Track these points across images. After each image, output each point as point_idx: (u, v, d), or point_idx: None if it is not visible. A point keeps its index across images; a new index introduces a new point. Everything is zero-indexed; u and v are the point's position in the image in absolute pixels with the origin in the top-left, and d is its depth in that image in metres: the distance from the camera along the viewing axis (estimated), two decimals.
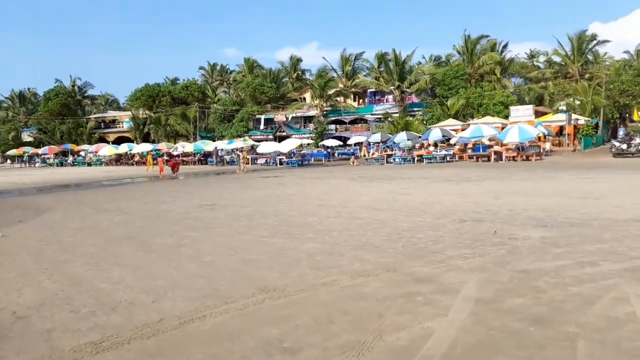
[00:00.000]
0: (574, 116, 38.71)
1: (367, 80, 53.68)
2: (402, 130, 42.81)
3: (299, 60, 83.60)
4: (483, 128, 29.04)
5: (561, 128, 39.71)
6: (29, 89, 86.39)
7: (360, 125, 58.15)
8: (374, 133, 43.99)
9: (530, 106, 41.17)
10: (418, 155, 31.35)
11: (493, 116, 43.33)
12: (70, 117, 72.88)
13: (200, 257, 6.94)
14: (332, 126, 58.64)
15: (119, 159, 49.13)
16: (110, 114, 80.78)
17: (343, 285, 5.29)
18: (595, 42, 53.04)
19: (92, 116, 77.79)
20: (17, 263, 7.09)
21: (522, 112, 40.51)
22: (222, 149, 43.76)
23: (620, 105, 44.60)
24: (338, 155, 45.35)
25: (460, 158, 32.37)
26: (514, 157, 27.56)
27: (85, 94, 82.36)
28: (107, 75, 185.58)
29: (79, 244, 8.27)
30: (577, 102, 45.77)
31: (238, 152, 33.70)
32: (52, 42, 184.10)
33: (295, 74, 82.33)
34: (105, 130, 74.80)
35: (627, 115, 57.79)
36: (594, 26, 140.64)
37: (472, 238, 7.38)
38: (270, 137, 61.11)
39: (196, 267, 6.35)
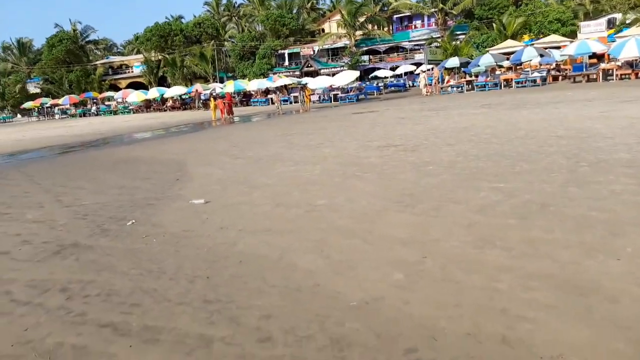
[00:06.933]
0: None
1: (407, 3, 49.00)
2: (453, 56, 39.27)
3: None
4: (590, 43, 25.62)
5: None
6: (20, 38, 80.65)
7: (396, 54, 54.17)
8: (429, 59, 40.38)
9: (602, 19, 37.46)
10: (505, 80, 28.04)
11: (547, 35, 39.41)
12: (77, 64, 68.20)
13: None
14: (365, 57, 54.66)
15: (148, 106, 45.61)
16: (117, 58, 75.70)
17: None
18: None
19: (99, 62, 72.92)
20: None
21: (593, 28, 37.00)
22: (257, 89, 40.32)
23: None
24: (388, 87, 41.97)
25: (544, 80, 28.75)
26: (627, 74, 24.37)
27: (88, 39, 76.99)
28: (97, 17, 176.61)
29: (386, 222, 5.57)
30: None
31: (299, 90, 30.45)
32: None
33: (310, 4, 76.87)
34: (116, 77, 70.28)
35: None
36: None
37: None
38: (297, 73, 57.19)
39: None
